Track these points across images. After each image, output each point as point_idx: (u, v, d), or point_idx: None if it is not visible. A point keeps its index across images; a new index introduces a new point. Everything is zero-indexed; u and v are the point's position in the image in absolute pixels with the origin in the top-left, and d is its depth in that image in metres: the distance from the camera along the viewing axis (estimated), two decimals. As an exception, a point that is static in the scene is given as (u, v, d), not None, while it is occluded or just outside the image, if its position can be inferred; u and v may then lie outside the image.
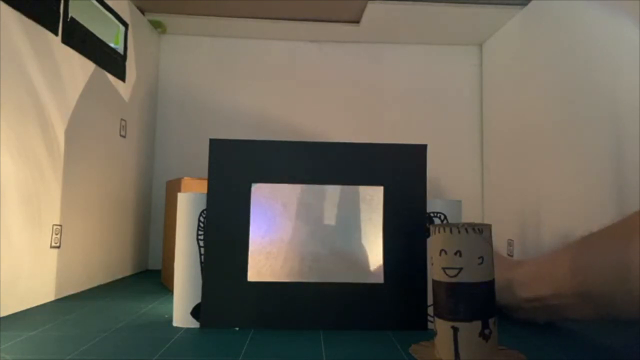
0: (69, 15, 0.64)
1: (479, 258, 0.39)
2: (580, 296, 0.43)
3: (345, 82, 1.01)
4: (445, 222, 0.52)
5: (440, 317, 0.40)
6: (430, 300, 0.49)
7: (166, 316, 0.53)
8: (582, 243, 0.45)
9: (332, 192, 0.54)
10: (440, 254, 0.40)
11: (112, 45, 0.78)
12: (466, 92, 1.03)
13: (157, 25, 0.96)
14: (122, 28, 0.82)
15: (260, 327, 0.49)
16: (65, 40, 0.64)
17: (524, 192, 0.83)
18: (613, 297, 0.41)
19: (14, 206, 0.54)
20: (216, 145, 0.52)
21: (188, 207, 0.51)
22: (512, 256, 0.85)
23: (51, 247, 0.61)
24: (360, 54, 1.02)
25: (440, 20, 0.91)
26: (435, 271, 0.40)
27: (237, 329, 0.49)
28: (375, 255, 0.52)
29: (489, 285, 0.39)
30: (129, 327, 0.49)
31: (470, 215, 0.97)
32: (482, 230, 0.39)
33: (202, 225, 0.51)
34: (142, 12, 0.91)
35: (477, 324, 0.38)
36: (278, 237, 0.53)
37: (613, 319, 0.44)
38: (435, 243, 0.40)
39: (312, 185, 0.53)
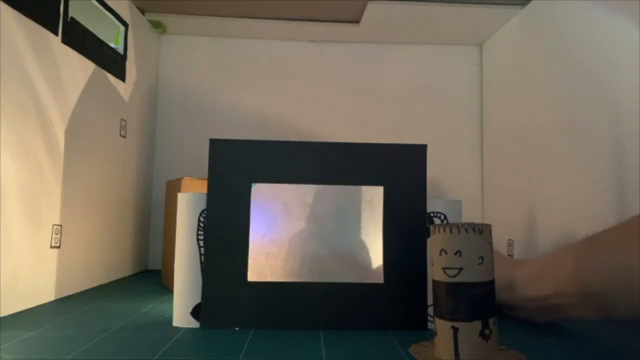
0: (69, 15, 0.64)
1: (479, 258, 0.39)
2: (583, 296, 0.43)
3: (345, 82, 1.01)
4: (445, 222, 0.52)
5: (440, 317, 0.40)
6: (430, 300, 0.49)
7: (166, 316, 0.53)
8: (586, 243, 0.45)
9: (332, 192, 0.54)
10: (440, 254, 0.40)
11: (112, 45, 0.78)
12: (466, 92, 1.03)
13: (157, 25, 0.96)
14: (122, 28, 0.82)
15: (260, 327, 0.49)
16: (65, 40, 0.64)
17: (524, 192, 0.83)
18: (615, 298, 0.41)
19: (14, 206, 0.54)
20: (216, 145, 0.52)
21: (188, 207, 0.51)
22: (512, 256, 0.85)
23: (51, 247, 0.61)
24: (360, 54, 1.02)
25: (440, 20, 0.91)
26: (435, 271, 0.40)
27: (237, 329, 0.49)
28: (375, 255, 0.52)
29: (489, 285, 0.39)
30: (129, 327, 0.49)
31: (470, 215, 0.97)
32: (482, 230, 0.39)
33: (202, 225, 0.51)
34: (142, 12, 0.91)
35: (477, 324, 0.38)
36: (278, 237, 0.53)
37: (615, 319, 0.44)
38: (435, 243, 0.40)
39: (312, 185, 0.53)
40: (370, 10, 0.87)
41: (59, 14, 0.62)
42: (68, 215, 0.64)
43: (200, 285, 0.50)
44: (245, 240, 0.50)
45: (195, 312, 0.50)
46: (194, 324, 0.50)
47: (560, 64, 0.73)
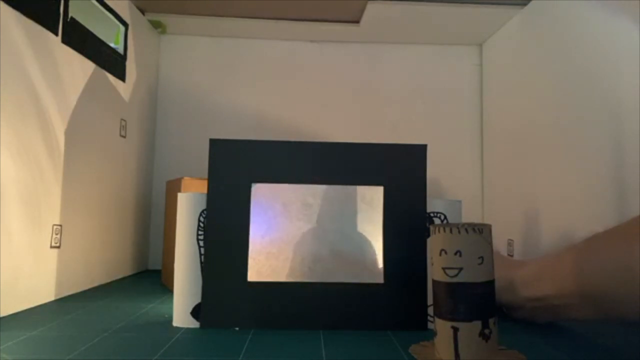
0: (69, 15, 0.64)
1: (479, 258, 0.39)
2: (583, 297, 0.43)
3: (345, 82, 1.01)
4: (445, 222, 0.52)
5: (440, 317, 0.40)
6: (430, 300, 0.49)
7: (166, 316, 0.53)
8: (586, 244, 0.45)
9: (332, 192, 0.54)
10: (440, 254, 0.40)
11: (112, 45, 0.78)
12: (466, 92, 1.03)
13: (157, 25, 0.96)
14: (122, 28, 0.82)
15: (260, 327, 0.49)
16: (65, 40, 0.64)
17: (524, 192, 0.83)
18: (615, 298, 0.41)
19: (14, 206, 0.54)
20: (216, 145, 0.52)
21: (188, 207, 0.51)
22: (512, 256, 0.85)
23: (51, 247, 0.61)
24: (360, 54, 1.02)
25: (440, 20, 0.91)
26: (435, 271, 0.40)
27: (237, 329, 0.49)
28: (375, 255, 0.52)
29: (489, 285, 0.39)
30: (129, 327, 0.49)
31: (470, 215, 0.97)
32: (482, 230, 0.39)
33: (202, 225, 0.51)
34: (142, 12, 0.91)
35: (477, 324, 0.38)
36: (278, 237, 0.53)
37: (615, 320, 0.44)
38: (435, 243, 0.40)
39: (312, 185, 0.53)
40: (370, 10, 0.87)
41: (59, 14, 0.62)
42: (68, 215, 0.64)
43: (200, 285, 0.50)
44: (245, 240, 0.50)
45: (195, 312, 0.50)
46: (194, 324, 0.50)
47: (560, 64, 0.73)
